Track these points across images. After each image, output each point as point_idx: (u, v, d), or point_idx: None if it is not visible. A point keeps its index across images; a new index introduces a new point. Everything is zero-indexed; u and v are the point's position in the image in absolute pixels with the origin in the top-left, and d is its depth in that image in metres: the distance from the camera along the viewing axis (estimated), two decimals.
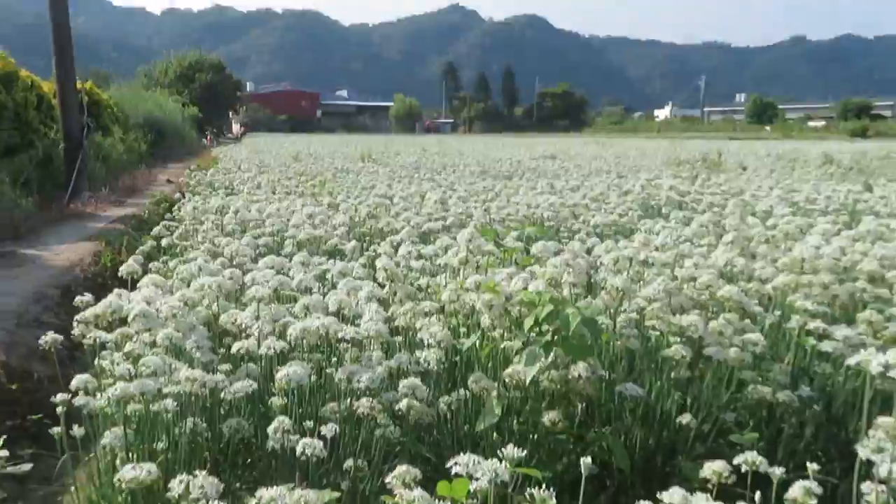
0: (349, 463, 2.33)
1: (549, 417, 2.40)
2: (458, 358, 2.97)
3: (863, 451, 1.67)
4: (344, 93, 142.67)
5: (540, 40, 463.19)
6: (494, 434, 2.55)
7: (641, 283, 3.10)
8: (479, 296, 2.63)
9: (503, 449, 1.55)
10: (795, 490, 1.75)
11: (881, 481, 1.64)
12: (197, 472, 1.33)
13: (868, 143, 30.50)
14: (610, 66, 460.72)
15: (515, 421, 2.65)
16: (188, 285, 3.04)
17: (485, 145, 27.37)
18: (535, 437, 2.58)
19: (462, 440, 2.61)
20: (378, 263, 3.23)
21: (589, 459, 1.68)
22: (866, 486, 1.72)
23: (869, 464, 1.71)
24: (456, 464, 1.53)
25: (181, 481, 1.33)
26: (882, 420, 1.81)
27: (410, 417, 2.38)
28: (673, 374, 2.80)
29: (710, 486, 1.77)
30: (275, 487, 1.39)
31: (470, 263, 3.15)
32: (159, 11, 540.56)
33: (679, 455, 2.71)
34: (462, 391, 2.63)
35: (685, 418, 2.61)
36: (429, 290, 3.29)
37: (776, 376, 2.79)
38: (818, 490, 1.73)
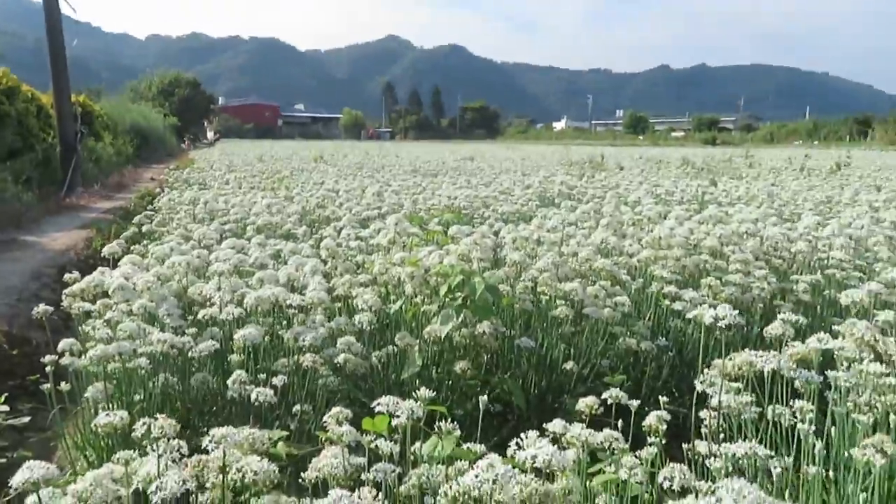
0: (297, 408, 2.29)
1: (459, 366, 2.40)
2: (388, 320, 2.95)
3: (700, 385, 1.72)
4: (301, 106, 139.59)
5: (461, 65, 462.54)
6: (417, 381, 2.53)
7: (536, 257, 3.12)
8: (404, 269, 2.61)
9: (417, 391, 1.54)
10: (651, 418, 1.79)
11: (713, 408, 1.69)
12: (157, 416, 1.27)
13: (716, 149, 31.42)
14: (517, 86, 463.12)
15: (434, 370, 2.65)
16: (162, 263, 2.93)
17: (417, 150, 27.20)
18: (450, 382, 2.57)
19: (391, 386, 2.59)
20: (323, 244, 3.17)
21: (486, 398, 1.68)
22: (703, 413, 1.77)
23: (706, 395, 1.76)
24: (379, 404, 1.52)
25: (144, 423, 1.27)
26: (716, 361, 1.87)
27: (347, 369, 2.35)
28: (560, 330, 2.83)
29: (583, 417, 1.79)
30: (227, 427, 1.34)
31: (398, 243, 3.12)
32: (144, 36, 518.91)
33: (565, 394, 2.75)
34: (391, 347, 2.61)
35: (569, 364, 2.65)
36: (364, 266, 3.25)
37: (640, 330, 2.85)
38: (667, 417, 1.77)
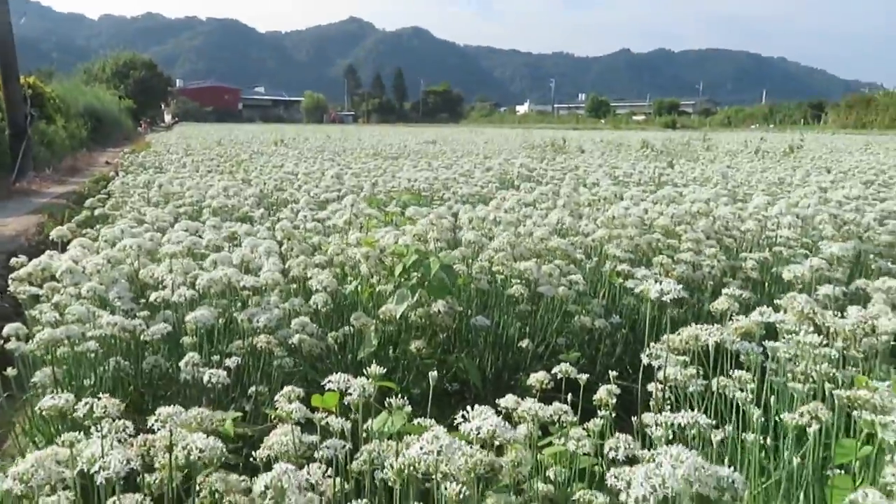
0: (252, 389, 2.28)
1: (415, 346, 2.41)
2: (346, 301, 2.94)
3: (646, 359, 1.76)
4: (261, 89, 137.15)
5: (424, 48, 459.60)
6: (374, 360, 2.54)
7: (493, 238, 3.13)
8: (359, 249, 2.61)
9: (367, 368, 1.55)
10: (601, 392, 1.83)
11: (659, 381, 1.74)
12: (101, 396, 1.26)
13: (676, 132, 31.82)
14: (481, 69, 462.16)
15: (391, 350, 2.65)
16: (113, 246, 2.87)
17: (379, 133, 26.96)
18: (406, 362, 2.59)
19: (348, 367, 2.59)
20: (278, 226, 3.14)
21: (436, 374, 1.70)
22: (651, 386, 1.81)
23: (653, 369, 1.80)
24: (329, 381, 1.52)
25: (86, 403, 1.25)
26: (665, 336, 1.91)
27: (303, 349, 2.34)
28: (516, 309, 2.86)
29: (534, 392, 1.82)
30: (173, 406, 1.33)
31: (354, 224, 3.11)
32: (97, 16, 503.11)
33: (521, 372, 2.78)
34: (347, 327, 2.61)
35: (524, 343, 2.68)
36: (321, 247, 3.23)
37: (594, 308, 2.89)
38: (617, 391, 1.82)
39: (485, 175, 6.55)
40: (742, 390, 1.66)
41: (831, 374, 1.62)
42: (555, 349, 2.82)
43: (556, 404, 1.67)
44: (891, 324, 1.82)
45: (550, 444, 1.72)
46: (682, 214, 3.44)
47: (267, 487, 1.04)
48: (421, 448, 1.12)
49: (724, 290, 2.02)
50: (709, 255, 3.04)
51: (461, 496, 1.12)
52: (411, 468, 1.13)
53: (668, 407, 1.84)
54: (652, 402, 1.88)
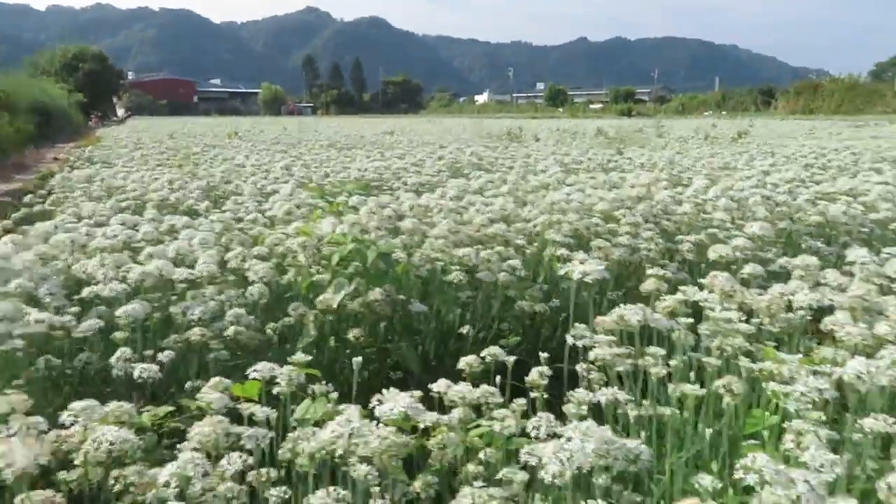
0: (189, 384, 2.24)
1: (352, 334, 2.41)
2: (290, 293, 2.91)
3: (570, 339, 1.79)
4: (217, 81, 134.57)
5: (382, 37, 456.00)
6: (315, 351, 2.53)
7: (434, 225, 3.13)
8: (296, 239, 2.58)
9: (292, 357, 1.54)
10: (532, 374, 1.85)
11: (588, 361, 1.77)
12: (7, 391, 1.23)
13: (631, 120, 32.19)
14: (440, 59, 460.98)
15: (333, 339, 2.64)
16: (45, 241, 2.80)
17: (337, 124, 26.65)
18: (349, 351, 2.58)
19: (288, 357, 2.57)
20: (216, 217, 3.09)
21: (360, 359, 1.71)
22: (579, 367, 1.85)
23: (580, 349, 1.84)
24: (255, 370, 1.52)
25: None
26: (596, 318, 1.94)
27: (240, 341, 2.32)
28: (457, 295, 2.87)
29: (463, 375, 1.84)
30: (88, 400, 1.31)
31: (294, 214, 3.08)
32: (44, 7, 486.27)
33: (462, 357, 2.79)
34: (287, 318, 2.58)
35: (465, 329, 2.69)
36: (261, 238, 3.19)
37: (534, 293, 2.92)
38: (549, 372, 1.85)
39: (436, 164, 6.55)
40: (667, 365, 1.71)
41: (746, 349, 1.67)
42: (497, 334, 2.84)
43: (484, 387, 1.69)
44: (806, 299, 1.88)
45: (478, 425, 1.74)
46: (622, 199, 3.48)
47: (171, 475, 1.03)
48: (332, 431, 1.12)
49: (649, 272, 2.06)
50: (646, 239, 3.09)
51: (369, 478, 1.12)
52: (323, 451, 1.14)
53: (598, 386, 1.87)
54: (582, 382, 1.91)
